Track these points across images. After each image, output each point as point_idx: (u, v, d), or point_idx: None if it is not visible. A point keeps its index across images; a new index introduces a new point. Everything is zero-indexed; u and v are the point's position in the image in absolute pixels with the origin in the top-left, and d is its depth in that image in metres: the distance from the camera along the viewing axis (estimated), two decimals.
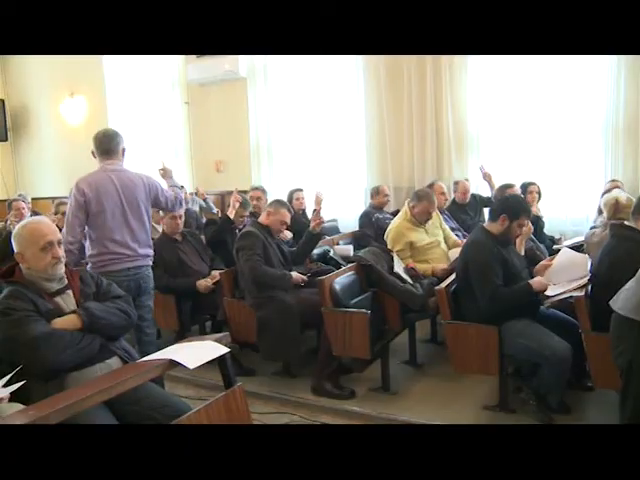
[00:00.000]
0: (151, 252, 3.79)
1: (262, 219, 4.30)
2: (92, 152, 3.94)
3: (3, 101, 9.72)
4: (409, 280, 4.18)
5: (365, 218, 5.90)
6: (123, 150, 3.91)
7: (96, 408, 2.23)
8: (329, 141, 7.49)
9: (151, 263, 3.80)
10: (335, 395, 3.88)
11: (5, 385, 2.11)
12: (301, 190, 6.35)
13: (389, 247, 4.51)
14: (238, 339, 4.11)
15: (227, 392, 2.43)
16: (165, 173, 4.26)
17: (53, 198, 8.37)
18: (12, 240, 2.53)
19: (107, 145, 3.85)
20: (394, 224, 4.70)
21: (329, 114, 7.45)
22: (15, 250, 2.51)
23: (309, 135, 7.61)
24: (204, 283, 4.48)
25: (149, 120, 8.66)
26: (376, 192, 6.06)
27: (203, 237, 5.05)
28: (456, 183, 6.10)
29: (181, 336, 4.51)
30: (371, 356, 3.74)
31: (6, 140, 9.81)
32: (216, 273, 4.51)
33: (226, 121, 8.21)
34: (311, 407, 3.83)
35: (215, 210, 7.55)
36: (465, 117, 6.60)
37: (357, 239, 5.88)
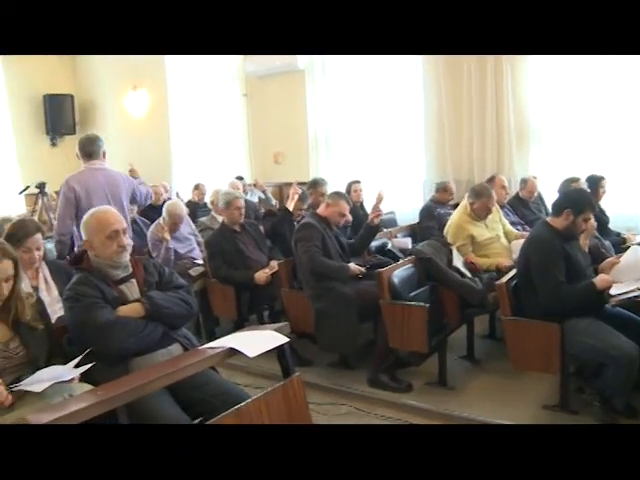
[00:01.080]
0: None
1: (321, 211, 4.32)
2: (77, 154, 4.37)
3: (72, 97, 10.06)
4: (468, 274, 4.12)
5: (426, 212, 5.82)
6: (104, 153, 4.38)
7: (158, 392, 2.30)
8: (387, 134, 7.43)
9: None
10: (391, 388, 3.87)
11: (76, 366, 2.20)
12: (359, 182, 6.31)
13: (449, 241, 4.45)
14: (296, 330, 4.14)
15: (285, 381, 2.45)
16: (133, 173, 5.07)
17: None
18: (81, 228, 2.62)
19: (90, 148, 4.32)
20: (454, 218, 4.64)
21: (387, 107, 7.38)
22: (84, 237, 2.61)
23: (367, 127, 7.56)
24: (263, 275, 4.52)
25: (208, 112, 8.79)
26: (443, 189, 5.97)
27: (262, 228, 5.09)
28: (524, 181, 5.89)
29: (239, 325, 4.58)
30: (428, 350, 3.70)
31: (74, 133, 10.15)
32: (274, 263, 4.55)
33: (284, 113, 8.24)
34: (367, 399, 3.83)
35: (274, 202, 7.61)
36: (527, 110, 6.42)
37: (419, 232, 5.78)
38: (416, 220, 6.09)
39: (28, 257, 3.02)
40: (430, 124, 6.99)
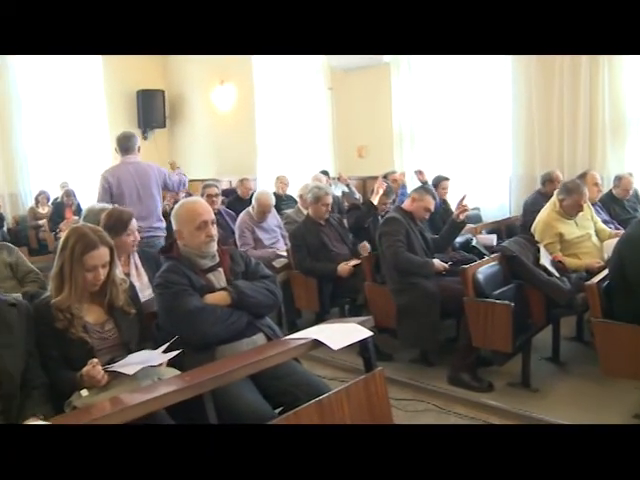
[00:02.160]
0: (162, 224, 4.77)
1: (406, 205, 4.28)
2: (115, 149, 5.00)
3: (163, 92, 10.43)
4: (556, 273, 3.99)
5: (531, 206, 5.52)
6: (139, 147, 4.99)
7: (242, 380, 2.35)
8: (472, 128, 7.30)
9: (161, 233, 4.73)
10: (472, 387, 3.79)
11: (164, 352, 2.29)
12: (448, 179, 6.14)
13: (537, 239, 4.31)
14: (377, 324, 4.13)
15: (367, 375, 2.45)
16: (173, 165, 5.75)
17: (203, 180, 8.87)
18: (172, 218, 2.72)
19: (127, 144, 4.90)
20: (542, 215, 4.48)
21: (472, 100, 7.24)
22: (174, 227, 2.70)
23: (452, 122, 7.45)
24: (345, 268, 4.53)
25: (294, 106, 8.88)
26: (549, 179, 5.66)
27: (345, 222, 5.11)
28: (619, 178, 5.60)
29: (321, 318, 4.62)
30: (512, 350, 3.60)
31: (164, 127, 10.54)
32: (365, 247, 4.61)
33: (369, 107, 8.22)
34: (447, 397, 3.78)
35: (357, 195, 7.62)
36: (623, 103, 6.13)
37: (522, 227, 5.51)
38: (502, 216, 5.95)
39: (132, 239, 3.18)
40: (518, 118, 6.78)
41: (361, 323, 2.48)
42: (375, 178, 5.31)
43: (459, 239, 4.86)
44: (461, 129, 7.37)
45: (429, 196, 4.21)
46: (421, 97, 7.63)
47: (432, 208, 4.27)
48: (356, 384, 2.39)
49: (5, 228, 8.00)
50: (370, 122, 8.23)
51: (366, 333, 2.39)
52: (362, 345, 2.47)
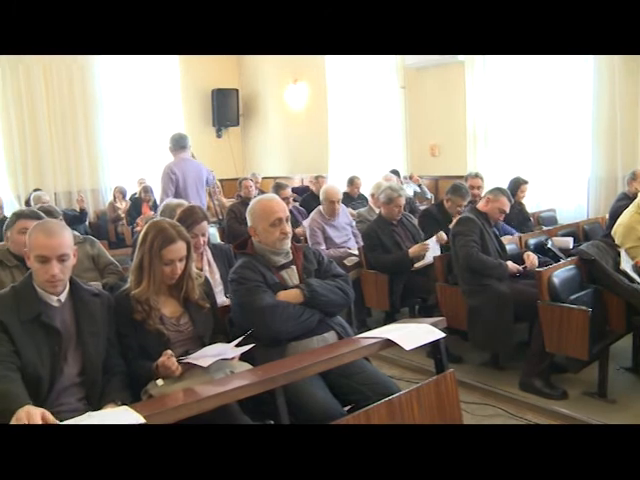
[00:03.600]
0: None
1: (481, 206, 4.21)
2: (170, 148, 5.56)
3: (237, 91, 10.62)
4: (638, 279, 3.82)
5: (618, 208, 5.22)
6: (189, 147, 5.64)
7: (312, 377, 2.36)
8: (548, 128, 7.05)
9: None
10: (545, 394, 3.69)
11: (237, 346, 2.33)
12: (527, 183, 5.88)
13: (618, 243, 4.14)
14: (447, 325, 4.07)
15: (438, 377, 2.42)
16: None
17: (275, 178, 8.99)
18: (247, 215, 2.76)
19: (183, 143, 5.55)
20: (623, 218, 4.28)
21: (549, 99, 7.00)
22: (248, 224, 2.74)
23: (527, 121, 7.22)
24: (417, 248, 4.51)
25: (366, 104, 8.85)
26: (633, 177, 5.40)
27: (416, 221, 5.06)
28: None
29: (391, 317, 4.61)
30: (588, 357, 3.47)
31: (238, 125, 10.74)
32: (442, 236, 4.56)
33: (442, 105, 8.10)
34: (517, 402, 3.69)
35: (429, 195, 7.54)
36: None
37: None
38: (579, 218, 5.75)
39: (194, 242, 3.23)
40: (599, 118, 6.50)
41: (433, 324, 2.45)
42: (448, 178, 5.25)
43: (533, 241, 4.75)
44: (537, 128, 7.14)
45: (504, 197, 4.13)
46: (496, 95, 7.44)
47: (507, 210, 4.18)
48: (427, 385, 2.36)
49: (87, 222, 8.33)
50: (443, 121, 8.10)
51: (438, 334, 2.37)
52: (434, 346, 2.45)
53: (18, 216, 3.18)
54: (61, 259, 2.18)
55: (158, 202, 5.54)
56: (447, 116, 8.02)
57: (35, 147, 9.05)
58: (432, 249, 4.55)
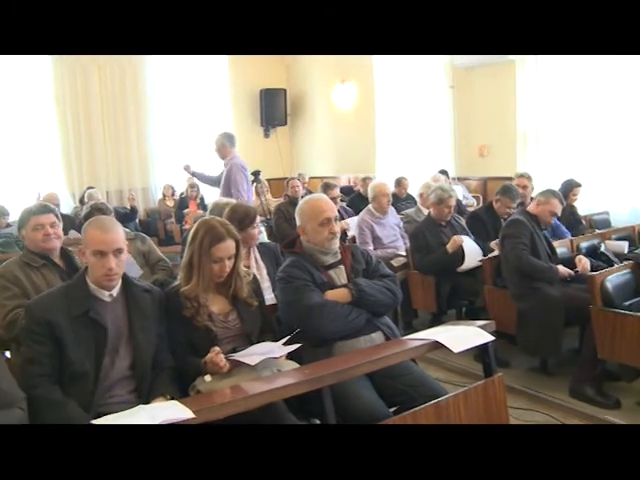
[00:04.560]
0: None
1: (531, 208, 4.13)
2: (224, 145, 5.71)
3: (285, 91, 10.69)
4: None
5: None
6: None
7: (359, 377, 2.36)
8: (602, 128, 6.87)
9: None
10: (596, 402, 3.58)
11: (284, 344, 2.34)
12: (580, 186, 5.73)
13: None
14: (496, 328, 4.02)
15: (486, 380, 2.39)
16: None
17: (322, 178, 9.01)
18: (296, 214, 2.77)
19: (234, 141, 5.79)
20: None
21: (604, 99, 6.81)
22: (297, 223, 2.75)
23: (581, 121, 7.05)
24: (458, 240, 4.47)
25: (414, 104, 8.80)
26: None
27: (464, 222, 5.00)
28: None
29: (437, 319, 4.56)
30: None
31: (285, 124, 10.80)
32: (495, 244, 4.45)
33: (492, 105, 7.99)
34: (566, 410, 3.59)
35: (472, 200, 7.42)
36: None
37: None
38: (634, 222, 5.57)
39: (257, 231, 3.31)
40: None
41: (482, 327, 2.42)
42: (497, 179, 5.17)
43: (585, 244, 4.65)
44: (590, 129, 6.96)
45: (556, 200, 4.04)
46: (548, 94, 7.28)
47: (559, 212, 4.09)
48: (475, 389, 2.33)
49: (137, 220, 8.51)
50: (492, 121, 7.99)
51: (487, 337, 2.34)
52: (482, 350, 2.42)
53: (30, 213, 3.09)
54: (117, 253, 2.23)
55: (234, 199, 5.45)
56: (496, 116, 7.90)
57: (89, 146, 9.30)
58: (473, 250, 4.48)
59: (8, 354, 2.55)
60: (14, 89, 8.78)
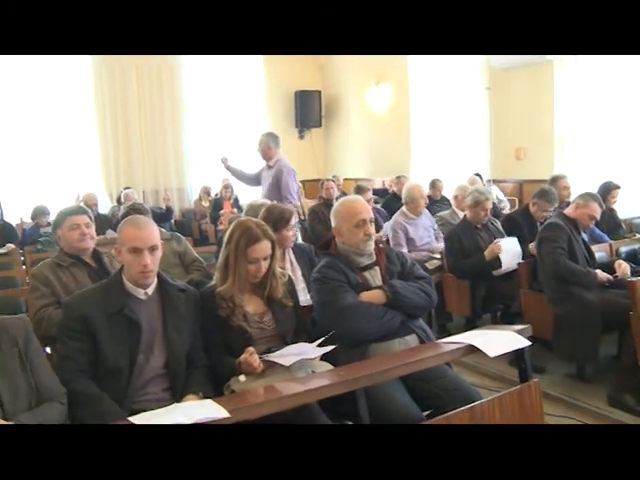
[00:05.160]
0: None
1: (569, 211, 4.06)
2: (270, 146, 5.50)
3: (320, 92, 10.72)
4: None
5: None
6: None
7: (393, 380, 2.36)
8: None
9: None
10: (636, 412, 3.49)
11: (319, 346, 2.35)
12: (618, 188, 5.65)
13: None
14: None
15: (522, 386, 2.35)
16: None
17: (356, 179, 9.00)
18: (331, 216, 2.78)
19: (279, 142, 5.59)
20: None
21: None
22: (333, 225, 2.76)
23: (620, 123, 6.88)
24: (495, 248, 4.39)
25: (449, 106, 8.73)
26: None
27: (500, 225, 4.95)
28: None
29: (472, 323, 4.52)
30: None
31: (320, 126, 10.84)
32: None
33: (529, 107, 7.86)
34: (604, 418, 3.51)
35: (506, 202, 7.30)
36: None
37: None
38: None
39: (292, 233, 3.32)
40: None
41: (518, 331, 2.38)
42: (533, 182, 5.10)
43: (625, 249, 4.58)
44: (630, 130, 6.80)
45: (595, 203, 3.96)
46: (588, 96, 7.13)
47: (598, 216, 4.02)
48: (510, 394, 2.30)
49: (172, 220, 8.62)
50: (529, 123, 7.86)
51: (524, 342, 2.30)
52: (518, 355, 2.38)
53: (66, 214, 3.17)
54: (152, 250, 2.27)
55: (286, 201, 5.41)
56: (534, 118, 7.77)
57: (126, 146, 9.47)
58: (513, 251, 4.43)
59: (49, 350, 2.60)
60: (55, 91, 8.99)
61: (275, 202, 4.87)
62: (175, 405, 1.99)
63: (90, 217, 3.20)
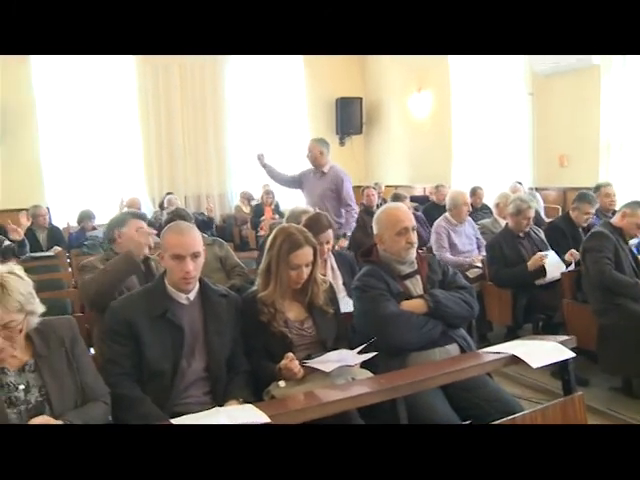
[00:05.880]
0: None
1: (615, 220, 3.98)
2: (323, 153, 5.35)
3: (361, 99, 10.73)
4: None
5: None
6: None
7: (433, 389, 2.34)
8: None
9: None
10: None
11: (359, 353, 2.35)
12: None
13: None
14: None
15: (566, 399, 2.30)
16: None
17: (396, 186, 8.97)
18: (373, 223, 2.77)
19: (330, 148, 5.48)
20: None
21: None
22: (375, 232, 2.76)
23: None
24: (538, 259, 4.34)
25: (491, 112, 8.63)
26: None
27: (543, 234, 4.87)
28: None
29: (512, 333, 4.45)
30: None
31: (360, 133, 10.83)
32: (574, 254, 4.33)
33: (573, 112, 7.70)
34: None
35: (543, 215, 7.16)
36: None
37: None
38: None
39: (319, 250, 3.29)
40: None
41: (562, 342, 2.34)
42: (577, 189, 5.01)
43: None
44: None
45: None
46: (636, 101, 6.96)
47: None
48: (553, 407, 2.25)
49: (213, 226, 8.72)
50: (574, 129, 7.69)
51: (568, 354, 2.26)
52: (561, 366, 2.34)
53: (131, 215, 3.39)
54: (194, 256, 2.31)
55: (349, 208, 5.43)
56: (578, 124, 7.61)
57: (169, 151, 9.59)
58: (555, 264, 4.36)
59: (92, 350, 2.66)
60: (100, 93, 9.14)
61: (327, 210, 4.91)
62: (217, 409, 2.02)
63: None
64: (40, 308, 1.98)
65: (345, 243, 5.13)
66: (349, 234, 5.36)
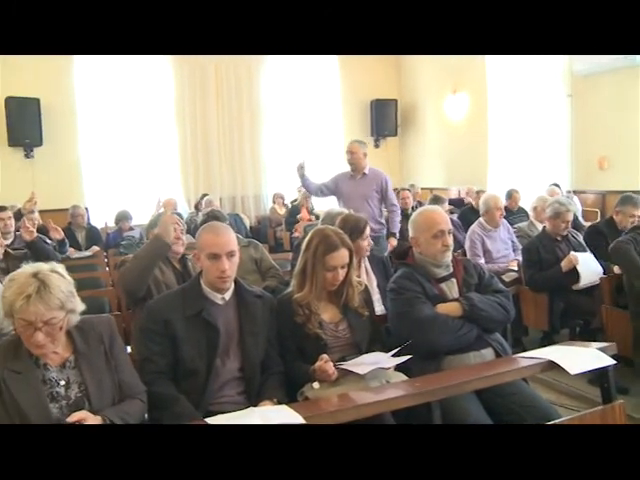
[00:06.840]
0: None
1: None
2: (364, 154, 5.30)
3: (396, 101, 10.70)
4: None
5: None
6: None
7: (468, 394, 2.31)
8: None
9: None
10: None
11: (394, 356, 2.34)
12: None
13: None
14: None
15: (605, 407, 2.25)
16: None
17: (431, 189, 8.91)
18: (409, 225, 2.76)
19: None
20: None
21: None
22: (410, 234, 2.75)
23: None
24: (572, 258, 4.27)
25: (528, 114, 8.51)
26: None
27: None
28: None
29: (549, 337, 4.38)
30: None
31: (396, 135, 10.80)
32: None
33: (614, 114, 7.54)
34: None
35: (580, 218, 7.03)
36: None
37: None
38: None
39: (367, 243, 3.30)
40: None
41: (601, 349, 2.29)
42: (618, 192, 4.90)
43: None
44: None
45: None
46: None
47: None
48: (591, 415, 2.20)
49: (248, 226, 8.78)
50: (614, 131, 7.53)
51: (607, 361, 2.21)
52: (600, 374, 2.29)
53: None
54: (230, 255, 2.33)
55: (394, 207, 5.48)
56: (619, 125, 7.44)
57: (205, 153, 9.69)
58: (591, 267, 4.27)
59: (129, 349, 2.70)
60: (138, 94, 9.30)
61: (372, 211, 4.91)
62: (251, 409, 2.03)
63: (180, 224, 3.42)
64: (80, 306, 2.03)
65: (395, 242, 5.12)
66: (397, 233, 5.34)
